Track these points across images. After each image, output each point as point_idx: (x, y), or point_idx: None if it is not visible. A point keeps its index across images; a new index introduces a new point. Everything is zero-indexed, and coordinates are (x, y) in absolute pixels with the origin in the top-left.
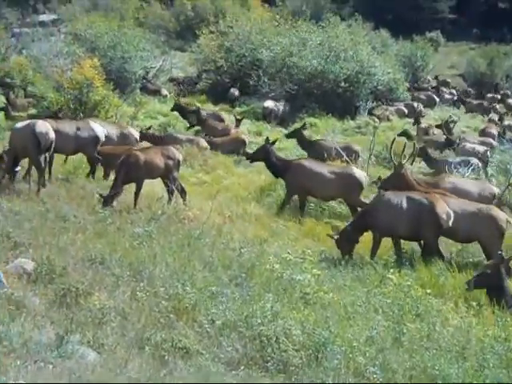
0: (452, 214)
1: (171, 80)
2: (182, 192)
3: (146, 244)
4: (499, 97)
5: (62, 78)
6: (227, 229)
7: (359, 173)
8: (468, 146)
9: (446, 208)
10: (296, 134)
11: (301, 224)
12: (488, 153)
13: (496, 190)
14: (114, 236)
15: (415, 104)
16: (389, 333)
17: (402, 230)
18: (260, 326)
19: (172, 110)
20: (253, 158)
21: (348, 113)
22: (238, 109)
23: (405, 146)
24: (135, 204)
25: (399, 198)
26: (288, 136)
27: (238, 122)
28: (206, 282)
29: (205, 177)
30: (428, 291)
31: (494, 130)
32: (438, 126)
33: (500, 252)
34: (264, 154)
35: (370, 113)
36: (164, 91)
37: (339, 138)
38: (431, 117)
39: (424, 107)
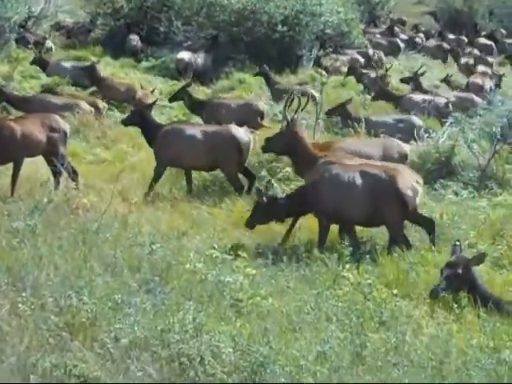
0: (420, 190)
1: (57, 28)
2: (74, 173)
3: (28, 242)
4: (466, 39)
5: None
6: (134, 219)
7: (240, 132)
8: (414, 98)
9: (411, 182)
10: (181, 95)
11: (230, 211)
12: (449, 106)
13: (407, 149)
14: None
15: (371, 51)
16: (346, 347)
17: (355, 213)
18: (179, 344)
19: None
20: (125, 122)
21: (288, 65)
22: (144, 63)
23: (308, 100)
24: (12, 191)
25: (349, 173)
26: (171, 99)
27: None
28: (107, 290)
29: (104, 153)
30: (395, 292)
31: (483, 82)
32: (403, 81)
33: (457, 243)
34: (137, 118)
35: (317, 64)
36: (48, 43)
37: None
38: (395, 68)
39: (385, 55)
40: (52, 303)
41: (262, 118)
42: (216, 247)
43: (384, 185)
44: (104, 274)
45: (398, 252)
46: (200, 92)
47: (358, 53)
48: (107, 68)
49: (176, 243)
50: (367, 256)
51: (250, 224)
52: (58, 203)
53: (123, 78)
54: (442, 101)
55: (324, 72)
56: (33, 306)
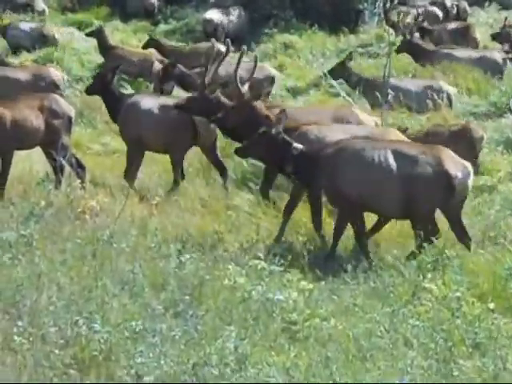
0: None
1: None
2: (80, 168)
3: (23, 257)
4: None
5: None
6: (156, 224)
7: None
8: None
9: (461, 163)
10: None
11: (277, 210)
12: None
13: (370, 121)
14: None
15: (448, 2)
16: (430, 377)
17: (385, 204)
18: (218, 380)
19: None
20: (88, 90)
21: (345, 23)
22: (162, 26)
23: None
24: (2, 192)
25: (379, 152)
26: None
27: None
28: (125, 314)
29: (114, 142)
30: (491, 306)
31: None
32: (495, 37)
33: None
34: (99, 85)
35: (385, 19)
36: (40, 4)
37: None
38: (483, 21)
39: (469, 5)
40: (55, 333)
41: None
42: (261, 256)
43: (425, 167)
44: (120, 295)
45: (492, 254)
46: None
47: (433, 4)
48: (115, 34)
49: (210, 253)
50: (454, 261)
51: (243, 151)
52: (60, 207)
53: (136, 46)
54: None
55: (391, 30)
56: (31, 338)
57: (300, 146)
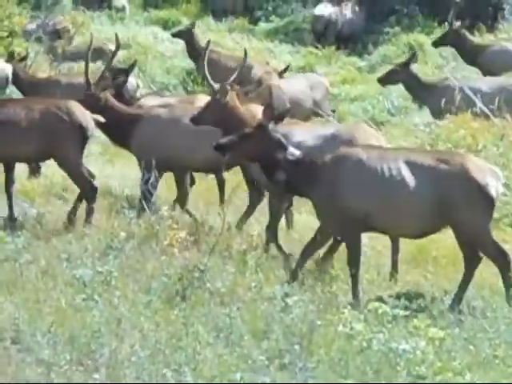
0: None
1: None
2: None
3: (100, 299)
4: None
5: None
6: (257, 259)
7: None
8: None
9: (488, 168)
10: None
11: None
12: None
13: None
14: (37, 288)
15: None
16: None
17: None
18: None
19: None
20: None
21: (482, 19)
22: (263, 25)
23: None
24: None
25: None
26: None
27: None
28: (221, 366)
29: None
30: None
31: None
32: None
33: None
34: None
35: None
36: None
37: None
38: None
39: None
40: None
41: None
42: (383, 298)
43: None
44: (215, 344)
45: None
46: (348, 64)
47: None
48: (208, 34)
49: (322, 294)
50: None
51: (223, 148)
52: (143, 239)
53: (233, 49)
54: None
55: None
56: None
57: (297, 152)
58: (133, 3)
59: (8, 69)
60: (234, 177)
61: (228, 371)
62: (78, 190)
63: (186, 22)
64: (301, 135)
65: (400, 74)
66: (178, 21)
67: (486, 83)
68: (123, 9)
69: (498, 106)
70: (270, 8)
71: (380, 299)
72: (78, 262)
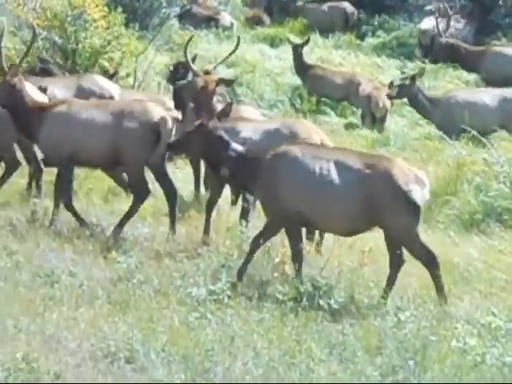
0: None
1: None
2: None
3: (212, 317)
4: None
5: (24, 10)
6: (369, 275)
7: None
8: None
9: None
10: None
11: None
12: None
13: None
14: (150, 307)
15: None
16: None
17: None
18: None
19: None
20: None
21: None
22: (370, 40)
23: None
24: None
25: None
26: None
27: None
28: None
29: None
30: None
31: None
32: None
33: None
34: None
35: None
36: (225, 16)
37: None
38: None
39: None
40: None
41: None
42: (495, 312)
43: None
44: (328, 361)
45: None
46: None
47: None
48: (315, 50)
49: (434, 309)
50: None
51: (175, 145)
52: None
53: (339, 65)
54: None
55: None
56: None
57: (239, 148)
58: (239, 21)
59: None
60: None
61: None
62: (191, 209)
63: (293, 39)
64: (246, 131)
65: (406, 90)
66: (284, 38)
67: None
68: (231, 27)
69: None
70: (376, 23)
71: (493, 313)
72: (190, 281)
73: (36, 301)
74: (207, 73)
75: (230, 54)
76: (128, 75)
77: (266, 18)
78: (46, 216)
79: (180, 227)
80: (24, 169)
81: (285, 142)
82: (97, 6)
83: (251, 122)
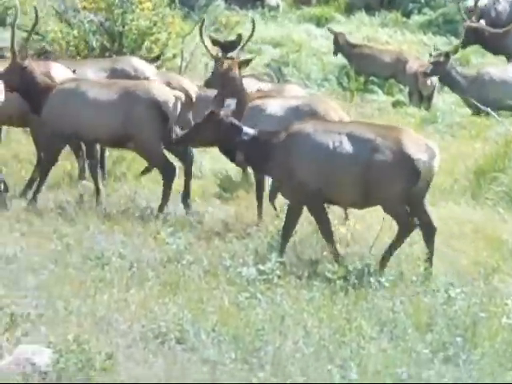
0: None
1: None
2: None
3: (262, 297)
4: None
5: None
6: (419, 253)
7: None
8: None
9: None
10: None
11: None
12: None
13: None
14: (200, 288)
15: None
16: None
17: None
18: None
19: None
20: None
21: None
22: (416, 18)
23: None
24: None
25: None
26: None
27: None
28: (385, 361)
29: None
30: None
31: None
32: None
33: None
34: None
35: None
36: None
37: None
38: None
39: None
40: None
41: None
42: None
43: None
44: (379, 338)
45: None
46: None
47: None
48: (361, 28)
49: (484, 286)
50: None
51: (181, 141)
52: (303, 236)
53: (386, 43)
54: None
55: None
56: None
57: (251, 131)
58: (285, 1)
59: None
60: None
61: (393, 365)
62: (239, 189)
63: (339, 18)
64: (272, 108)
65: (440, 67)
66: (331, 17)
67: None
68: (277, 7)
69: None
70: (422, 0)
71: None
72: (240, 261)
73: (86, 283)
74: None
75: (249, 39)
76: (174, 56)
77: None
78: (94, 198)
79: (229, 207)
80: (71, 152)
81: (304, 118)
82: None
83: (277, 99)
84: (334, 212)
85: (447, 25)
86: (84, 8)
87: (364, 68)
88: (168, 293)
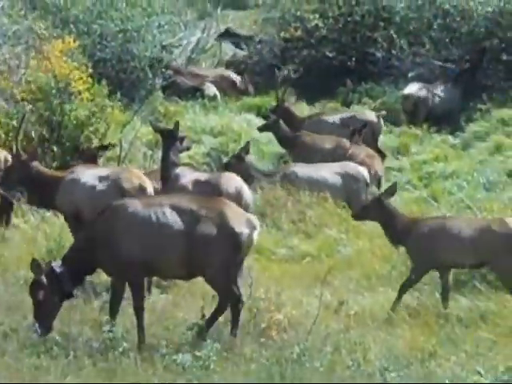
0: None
1: (227, 64)
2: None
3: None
4: None
5: (9, 82)
6: (355, 339)
7: None
8: None
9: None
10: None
11: (499, 317)
12: None
13: None
14: (136, 373)
15: None
16: None
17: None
18: None
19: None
20: None
21: None
22: (355, 107)
23: None
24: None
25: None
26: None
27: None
28: None
29: (304, 244)
30: None
31: None
32: None
33: None
34: None
35: None
36: (210, 87)
37: None
38: None
39: None
40: None
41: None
42: (480, 371)
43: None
44: None
45: None
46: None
47: None
48: None
49: (420, 370)
50: None
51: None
52: (242, 322)
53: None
54: None
55: None
56: None
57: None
58: (223, 92)
59: None
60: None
61: None
62: None
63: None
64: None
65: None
66: (272, 107)
67: None
68: (215, 97)
69: None
70: (362, 90)
71: (479, 373)
72: (169, 348)
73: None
74: None
75: None
76: (113, 146)
77: (251, 88)
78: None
79: (167, 295)
80: None
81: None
82: (81, 78)
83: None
84: (270, 299)
85: (387, 114)
86: (23, 99)
87: (303, 156)
88: (104, 380)
